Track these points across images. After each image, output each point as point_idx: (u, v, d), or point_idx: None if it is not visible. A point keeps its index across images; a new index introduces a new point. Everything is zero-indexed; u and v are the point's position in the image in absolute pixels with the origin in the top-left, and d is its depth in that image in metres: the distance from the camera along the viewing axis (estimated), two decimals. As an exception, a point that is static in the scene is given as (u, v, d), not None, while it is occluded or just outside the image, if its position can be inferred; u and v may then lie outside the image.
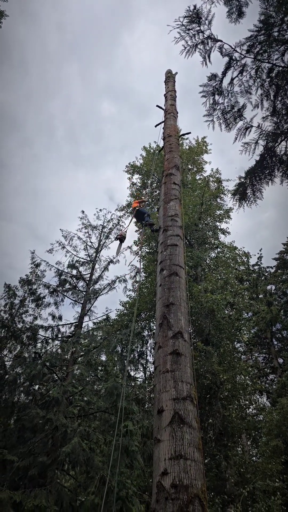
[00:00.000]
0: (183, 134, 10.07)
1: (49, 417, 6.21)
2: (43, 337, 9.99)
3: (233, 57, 7.16)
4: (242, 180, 7.60)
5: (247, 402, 13.55)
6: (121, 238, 8.33)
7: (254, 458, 14.56)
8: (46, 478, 5.97)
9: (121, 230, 9.27)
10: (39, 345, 9.52)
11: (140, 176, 23.04)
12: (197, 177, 22.94)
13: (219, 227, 19.81)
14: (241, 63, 7.18)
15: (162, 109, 9.73)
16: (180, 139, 18.70)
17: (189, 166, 23.47)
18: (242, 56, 7.09)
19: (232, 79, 7.40)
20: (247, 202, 7.64)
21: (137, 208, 8.78)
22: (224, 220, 19.81)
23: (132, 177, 23.30)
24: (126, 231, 8.70)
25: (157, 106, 9.86)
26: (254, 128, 7.38)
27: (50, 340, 9.62)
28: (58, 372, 8.95)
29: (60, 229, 13.97)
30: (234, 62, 7.18)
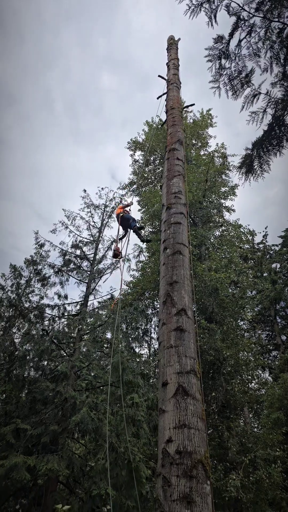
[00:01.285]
0: (187, 106, 9.74)
1: (59, 390, 6.50)
2: (50, 316, 10.24)
3: (241, 17, 6.75)
4: (249, 152, 7.39)
5: (250, 377, 13.92)
6: (116, 254, 8.23)
7: (255, 429, 15.09)
8: (57, 445, 6.33)
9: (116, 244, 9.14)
10: (46, 323, 9.76)
11: (143, 153, 22.63)
12: (202, 153, 22.47)
13: (224, 205, 19.58)
14: (249, 23, 6.77)
15: (165, 79, 9.40)
16: (183, 111, 18.20)
17: (193, 141, 22.94)
18: (251, 15, 6.67)
19: (240, 41, 7.00)
20: (253, 175, 7.46)
21: (121, 215, 8.36)
22: (229, 197, 19.53)
23: (134, 154, 22.90)
24: (120, 247, 8.46)
25: (159, 76, 9.52)
26: (263, 96, 7.06)
27: (56, 319, 9.85)
28: (66, 349, 9.24)
29: (63, 209, 13.97)
30: (242, 22, 6.79)
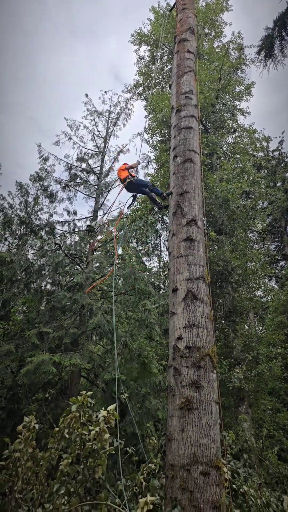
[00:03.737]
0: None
1: (75, 298, 6.96)
2: (61, 231, 10.37)
3: None
4: (269, 31, 6.34)
5: (256, 286, 14.55)
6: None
7: (259, 333, 16.38)
8: (78, 346, 7.07)
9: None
10: (58, 239, 9.94)
11: (149, 48, 19.78)
12: (215, 45, 19.54)
13: (238, 107, 17.77)
14: None
15: None
16: (195, -9, 15.23)
17: (206, 30, 19.76)
18: None
19: None
20: (273, 61, 6.51)
21: (128, 180, 6.44)
22: (244, 98, 17.59)
23: (139, 50, 20.05)
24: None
25: None
26: None
27: (68, 234, 9.99)
28: (80, 263, 9.59)
29: (65, 118, 12.92)
30: None
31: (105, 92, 12.37)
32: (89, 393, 3.04)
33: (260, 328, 17.20)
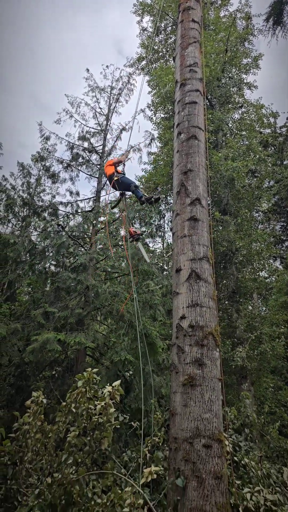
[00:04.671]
0: None
1: (80, 279, 7.02)
2: (64, 212, 10.31)
3: None
4: (279, -4, 5.99)
5: (261, 266, 14.52)
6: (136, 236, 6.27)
7: (262, 313, 16.50)
8: (83, 326, 7.20)
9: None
10: (61, 220, 9.92)
11: (152, 18, 18.91)
12: (221, 14, 18.66)
13: (245, 81, 17.15)
14: None
15: None
16: None
17: (212, -1, 18.85)
18: None
19: None
20: (282, 29, 6.20)
21: (115, 178, 6.11)
22: (251, 71, 16.93)
23: (141, 21, 19.19)
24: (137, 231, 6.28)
25: None
26: None
27: (71, 216, 9.95)
28: (83, 244, 9.60)
29: (65, 95, 12.60)
30: None
31: (107, 66, 11.96)
32: (95, 370, 3.11)
33: (264, 308, 17.30)
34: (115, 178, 6.07)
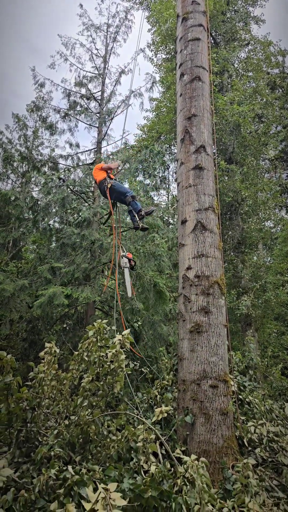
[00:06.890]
0: None
1: (84, 234, 6.99)
2: (64, 166, 9.98)
3: None
4: None
5: (266, 216, 14.30)
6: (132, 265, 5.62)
7: (267, 263, 16.59)
8: (89, 280, 7.32)
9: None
10: (62, 175, 9.64)
11: None
12: None
13: (251, 14, 15.54)
14: None
15: None
16: None
17: None
18: None
19: None
20: None
21: (108, 186, 5.27)
22: (258, 2, 15.29)
23: None
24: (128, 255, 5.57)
25: None
26: None
27: (72, 169, 9.63)
28: (86, 199, 9.42)
29: (58, 35, 11.57)
30: None
31: (102, 0, 10.81)
32: (105, 320, 3.20)
33: (269, 258, 17.38)
34: (108, 185, 5.29)
